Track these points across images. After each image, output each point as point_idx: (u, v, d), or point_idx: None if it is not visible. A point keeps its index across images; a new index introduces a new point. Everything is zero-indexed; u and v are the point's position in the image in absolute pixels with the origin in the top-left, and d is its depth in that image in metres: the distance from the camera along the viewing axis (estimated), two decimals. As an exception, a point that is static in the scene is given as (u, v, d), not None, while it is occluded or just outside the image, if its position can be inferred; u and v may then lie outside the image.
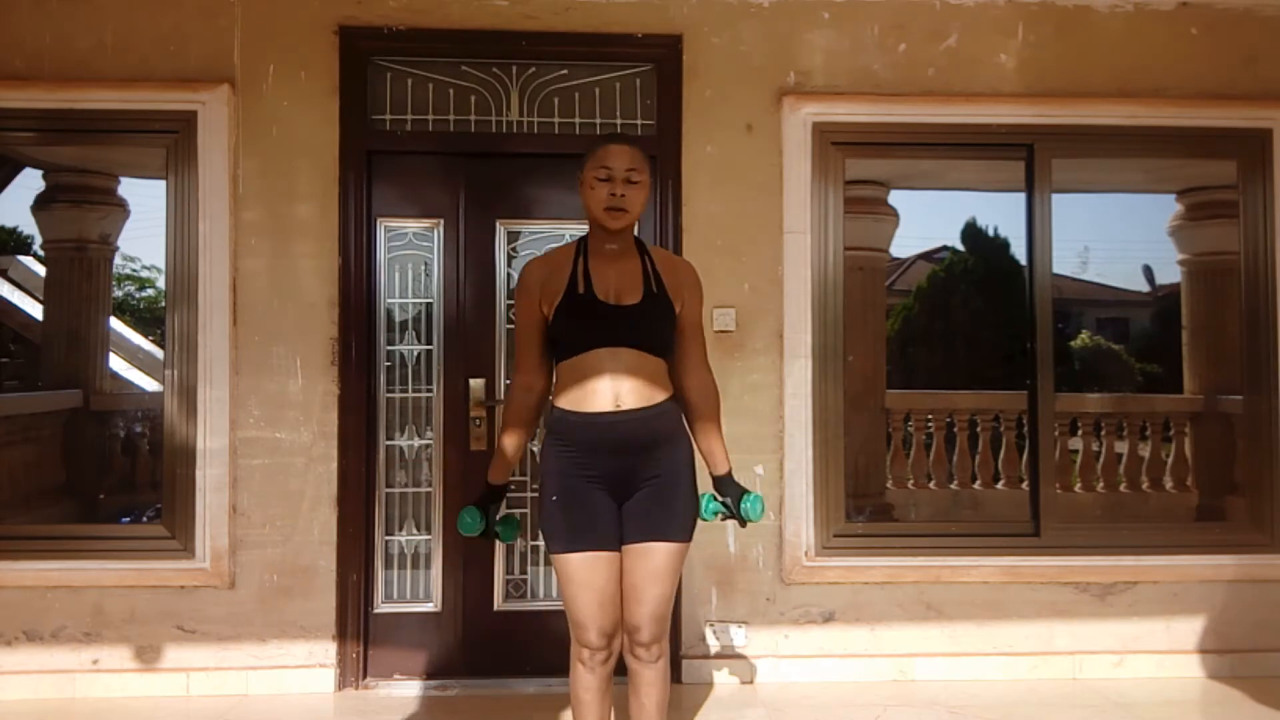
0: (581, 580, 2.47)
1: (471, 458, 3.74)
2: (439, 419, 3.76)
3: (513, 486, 3.74)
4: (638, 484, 2.50)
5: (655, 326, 2.53)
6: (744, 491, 2.65)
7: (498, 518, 2.67)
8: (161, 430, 3.65)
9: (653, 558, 2.48)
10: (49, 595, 3.59)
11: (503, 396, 3.77)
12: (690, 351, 2.62)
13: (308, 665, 3.63)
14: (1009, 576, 3.78)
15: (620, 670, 2.56)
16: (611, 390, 2.46)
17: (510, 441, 2.62)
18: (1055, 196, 3.87)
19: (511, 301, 3.80)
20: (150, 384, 5.47)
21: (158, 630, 3.60)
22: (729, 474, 2.67)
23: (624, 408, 2.46)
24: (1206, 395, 5.66)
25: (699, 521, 2.59)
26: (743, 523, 2.66)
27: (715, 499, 2.65)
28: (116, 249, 5.21)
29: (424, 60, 3.76)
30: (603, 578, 2.47)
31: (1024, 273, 3.94)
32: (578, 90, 3.81)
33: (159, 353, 4.33)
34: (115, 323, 5.77)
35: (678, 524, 2.52)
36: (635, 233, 2.61)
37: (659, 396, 2.51)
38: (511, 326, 3.80)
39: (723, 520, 2.66)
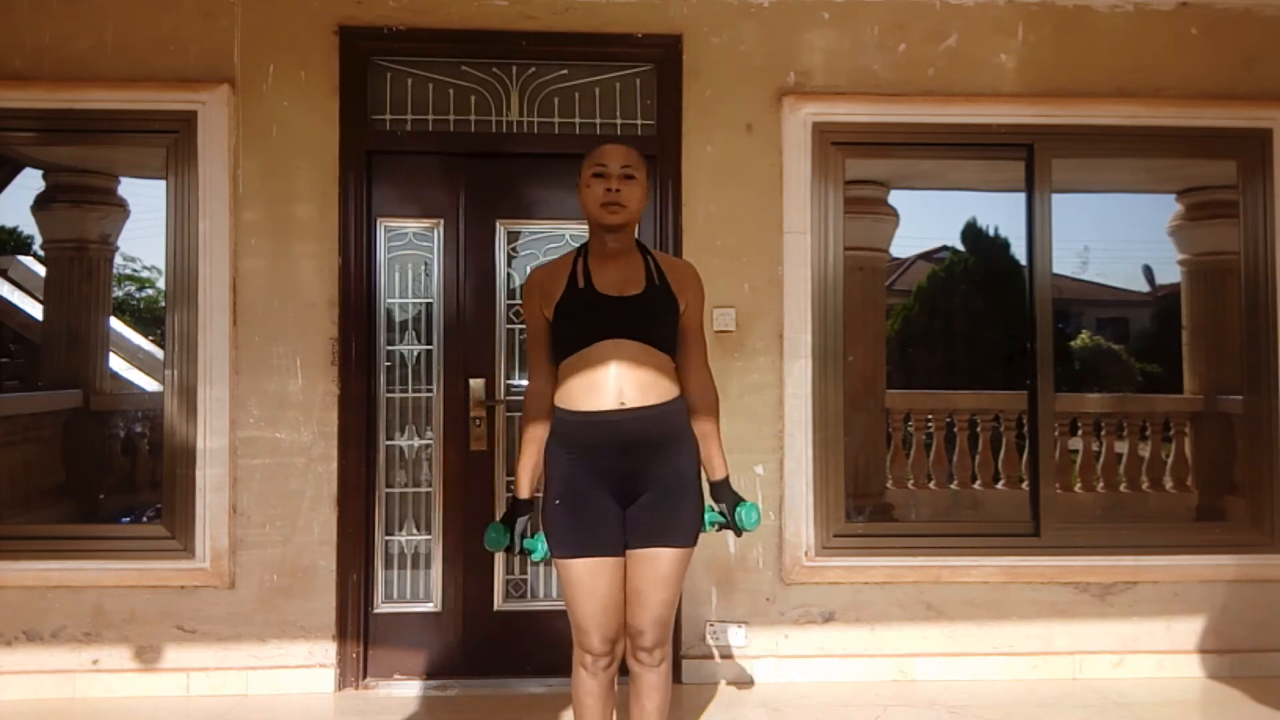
0: (585, 586, 2.45)
1: (471, 458, 3.74)
2: (439, 419, 3.76)
3: (513, 486, 3.74)
4: (643, 487, 2.46)
5: (658, 317, 2.50)
6: (739, 500, 2.62)
7: (527, 533, 2.60)
8: (161, 430, 3.65)
9: (657, 564, 2.46)
10: (49, 595, 3.59)
11: (502, 396, 3.77)
12: (691, 354, 2.59)
13: (308, 665, 3.63)
14: (1009, 576, 3.78)
15: (622, 671, 2.56)
16: (615, 386, 2.42)
17: (530, 452, 2.58)
18: (1055, 196, 3.87)
19: (512, 301, 3.80)
20: (150, 384, 5.47)
21: (158, 630, 3.60)
22: (725, 480, 2.64)
23: (628, 405, 2.42)
24: (1206, 395, 5.65)
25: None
26: (738, 532, 2.63)
27: (713, 509, 2.62)
28: (116, 249, 5.21)
29: (424, 60, 3.76)
30: (606, 584, 2.45)
31: (1024, 273, 3.94)
32: (578, 90, 3.81)
33: (159, 353, 4.32)
34: (115, 323, 5.77)
35: (683, 530, 2.49)
36: (636, 234, 2.60)
37: (666, 394, 2.48)
38: (511, 326, 3.81)
39: (718, 530, 2.63)
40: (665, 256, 2.64)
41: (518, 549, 2.57)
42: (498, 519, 2.63)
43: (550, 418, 2.56)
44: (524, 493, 2.60)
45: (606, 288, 2.48)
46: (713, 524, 2.60)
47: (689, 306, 2.57)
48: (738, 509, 2.60)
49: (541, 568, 3.77)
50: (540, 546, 2.54)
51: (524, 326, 3.77)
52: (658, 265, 2.55)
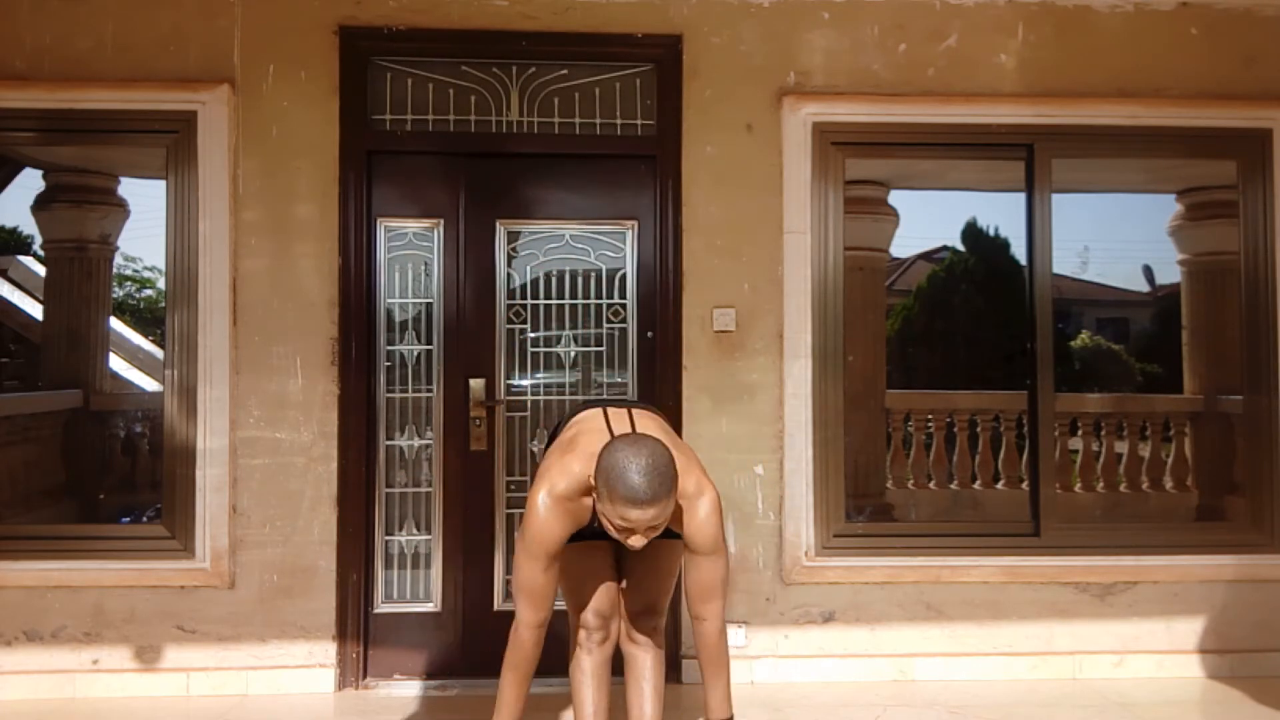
0: (577, 564, 2.54)
1: (471, 458, 3.74)
2: (439, 419, 3.76)
3: (513, 487, 3.75)
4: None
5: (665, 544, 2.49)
6: None
7: None
8: (161, 430, 3.65)
9: (651, 550, 2.48)
10: (49, 595, 3.59)
11: (502, 396, 3.76)
12: (703, 579, 2.41)
13: (308, 665, 3.63)
14: (1009, 576, 3.78)
15: (617, 671, 2.61)
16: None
17: (517, 691, 2.42)
18: (1055, 196, 3.87)
19: (512, 301, 3.80)
20: (150, 384, 5.46)
21: (158, 630, 3.60)
22: None
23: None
24: (1206, 395, 5.65)
25: None
26: None
27: None
28: (116, 249, 5.21)
29: (424, 60, 3.76)
30: (598, 561, 2.55)
31: (1024, 273, 3.94)
32: (578, 90, 3.81)
33: (159, 353, 4.32)
34: (115, 323, 5.76)
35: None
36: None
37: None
38: (511, 327, 3.80)
39: None
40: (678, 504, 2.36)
41: None
42: None
43: (540, 649, 2.42)
44: None
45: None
46: None
47: (687, 538, 2.41)
48: None
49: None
50: None
51: (524, 327, 3.79)
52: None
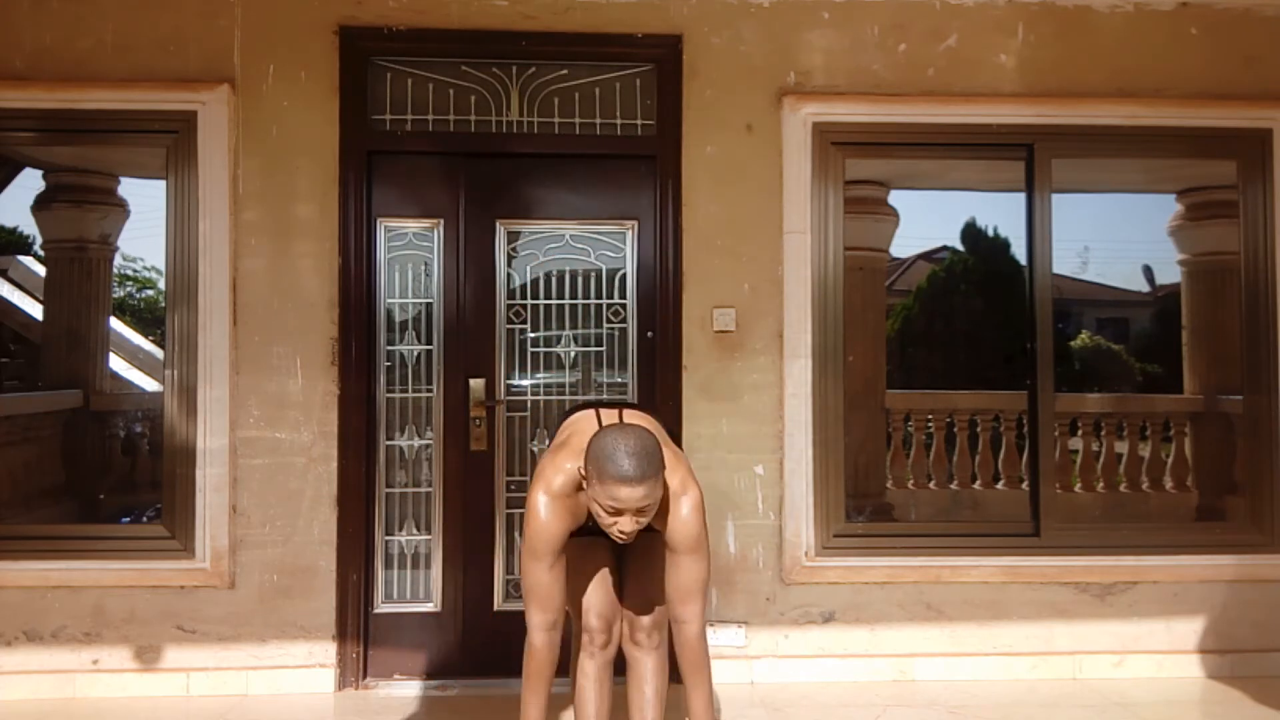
0: (578, 567, 2.56)
1: (471, 458, 3.74)
2: (439, 419, 3.76)
3: (513, 487, 3.75)
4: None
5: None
6: None
7: None
8: (161, 430, 3.65)
9: (650, 554, 2.54)
10: (49, 595, 3.59)
11: (502, 396, 3.76)
12: (682, 579, 2.44)
13: (308, 665, 3.63)
14: (1009, 576, 3.78)
15: (620, 671, 2.61)
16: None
17: (539, 700, 2.47)
18: (1055, 196, 3.87)
19: (512, 301, 3.80)
20: (150, 384, 5.46)
21: (158, 630, 3.60)
22: None
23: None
24: (1206, 395, 5.65)
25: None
26: None
27: None
28: (116, 249, 5.21)
29: (424, 60, 3.76)
30: (600, 565, 2.57)
31: (1024, 273, 3.94)
32: (578, 90, 3.81)
33: (159, 353, 4.32)
34: (115, 323, 5.76)
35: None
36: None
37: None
38: (511, 327, 3.80)
39: None
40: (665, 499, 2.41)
41: None
42: None
43: (558, 652, 2.48)
44: None
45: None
46: None
47: (669, 537, 2.43)
48: None
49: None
50: None
51: (524, 327, 3.79)
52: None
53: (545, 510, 2.38)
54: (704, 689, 2.50)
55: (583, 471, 2.32)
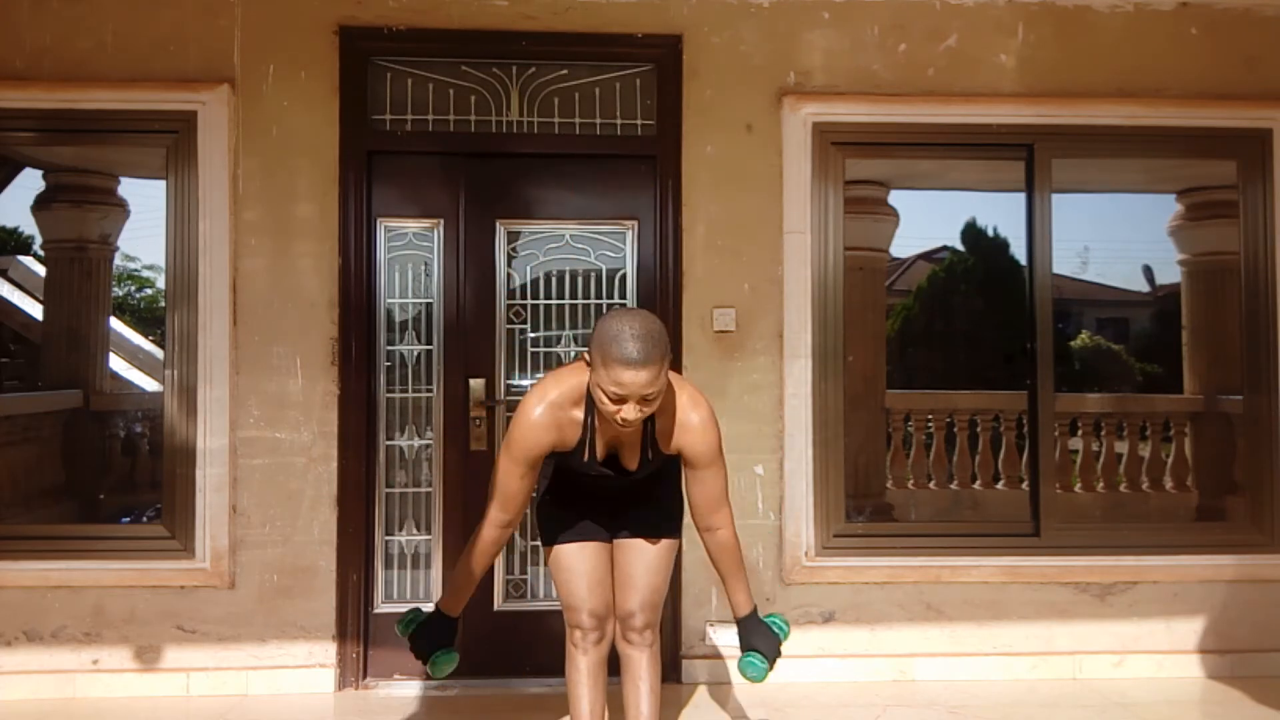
0: (570, 565, 2.58)
1: (471, 458, 3.74)
2: (439, 419, 3.76)
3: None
4: (628, 512, 2.61)
5: (653, 479, 2.57)
6: (764, 629, 2.57)
7: (439, 649, 2.55)
8: (161, 430, 3.65)
9: (645, 550, 2.59)
10: (49, 595, 3.59)
11: (502, 396, 3.77)
12: (707, 492, 2.48)
13: (308, 665, 3.63)
14: (1009, 576, 3.78)
15: (614, 671, 2.62)
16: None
17: (470, 576, 2.55)
18: (1055, 196, 3.88)
19: (512, 301, 3.80)
20: (150, 384, 5.45)
21: (158, 630, 3.60)
22: (752, 614, 2.59)
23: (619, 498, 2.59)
24: (1206, 395, 5.65)
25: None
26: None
27: (753, 659, 2.54)
28: (116, 249, 5.20)
29: (424, 60, 3.76)
30: (592, 562, 2.59)
31: (1024, 273, 3.94)
32: (578, 90, 3.81)
33: (159, 353, 4.31)
34: (115, 323, 5.75)
35: (670, 523, 2.64)
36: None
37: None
38: (511, 327, 3.80)
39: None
40: (668, 415, 2.42)
41: (426, 657, 2.52)
42: (427, 614, 2.59)
43: (501, 547, 2.59)
44: (453, 610, 2.58)
45: (605, 454, 2.48)
46: (765, 673, 2.54)
47: (685, 451, 2.46)
48: (743, 662, 2.57)
49: (541, 569, 3.77)
50: (440, 668, 2.52)
51: (524, 327, 3.79)
52: (654, 434, 2.44)
53: (536, 417, 2.37)
54: (744, 582, 2.56)
55: (586, 357, 2.30)
